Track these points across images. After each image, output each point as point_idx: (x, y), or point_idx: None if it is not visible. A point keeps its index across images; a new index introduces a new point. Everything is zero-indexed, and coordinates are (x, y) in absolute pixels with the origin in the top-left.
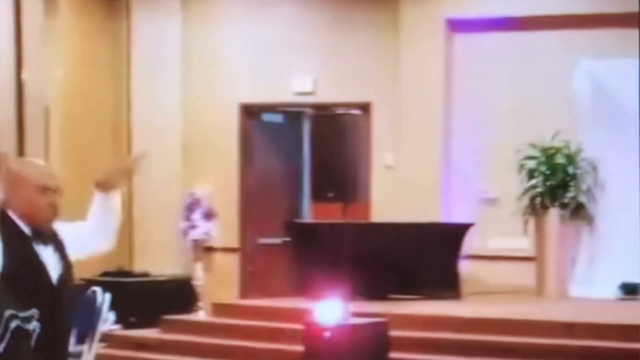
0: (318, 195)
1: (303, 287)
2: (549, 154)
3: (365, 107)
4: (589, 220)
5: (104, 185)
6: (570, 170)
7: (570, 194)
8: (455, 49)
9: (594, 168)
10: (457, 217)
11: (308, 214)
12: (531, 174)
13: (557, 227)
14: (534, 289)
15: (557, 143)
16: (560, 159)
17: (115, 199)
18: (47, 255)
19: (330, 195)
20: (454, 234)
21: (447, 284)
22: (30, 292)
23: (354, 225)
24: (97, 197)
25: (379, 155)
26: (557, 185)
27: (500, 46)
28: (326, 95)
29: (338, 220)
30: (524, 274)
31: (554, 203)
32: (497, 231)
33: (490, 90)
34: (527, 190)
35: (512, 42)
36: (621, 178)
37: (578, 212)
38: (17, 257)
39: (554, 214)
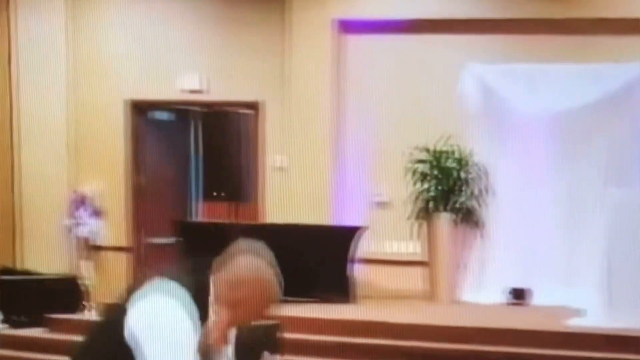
0: (208, 195)
1: None
2: (439, 158)
3: (255, 107)
4: (479, 225)
5: None
6: (461, 174)
7: (461, 199)
8: (346, 50)
9: (485, 173)
10: (349, 220)
11: (199, 213)
12: (423, 178)
13: (448, 232)
14: (426, 293)
15: (448, 147)
16: (451, 163)
17: None
18: None
19: (221, 194)
20: (345, 237)
21: (339, 287)
22: None
23: (244, 225)
24: None
25: (269, 156)
26: (449, 190)
27: (391, 48)
28: (216, 93)
29: (228, 220)
30: (417, 278)
31: (445, 207)
32: (390, 235)
33: (381, 92)
34: (418, 194)
35: (402, 44)
36: (511, 183)
37: (469, 216)
38: None
39: (445, 219)
